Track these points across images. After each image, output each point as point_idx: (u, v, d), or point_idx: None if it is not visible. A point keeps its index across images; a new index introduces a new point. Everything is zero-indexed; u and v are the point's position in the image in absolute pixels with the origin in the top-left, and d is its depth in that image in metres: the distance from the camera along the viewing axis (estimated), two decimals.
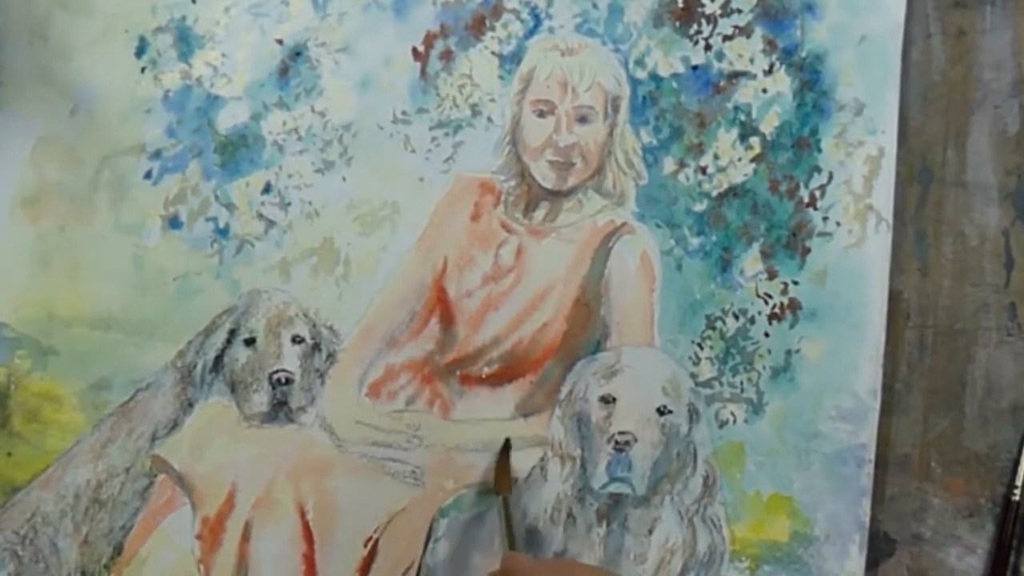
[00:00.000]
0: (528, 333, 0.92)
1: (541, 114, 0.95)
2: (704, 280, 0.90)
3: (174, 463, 0.96)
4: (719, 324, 0.89)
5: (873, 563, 0.85)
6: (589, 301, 0.92)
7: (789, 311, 0.88)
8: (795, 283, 0.88)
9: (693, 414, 0.88)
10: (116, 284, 1.00)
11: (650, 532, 0.87)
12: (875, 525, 0.85)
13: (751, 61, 0.91)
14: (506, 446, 0.89)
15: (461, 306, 0.94)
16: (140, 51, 1.03)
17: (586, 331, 0.91)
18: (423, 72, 0.98)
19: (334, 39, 1.00)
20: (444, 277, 0.95)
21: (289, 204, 0.99)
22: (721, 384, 0.88)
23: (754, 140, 0.91)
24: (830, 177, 0.89)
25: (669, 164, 0.92)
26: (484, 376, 0.93)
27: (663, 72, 0.93)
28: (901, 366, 0.87)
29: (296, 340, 0.96)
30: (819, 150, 0.89)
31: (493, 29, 0.97)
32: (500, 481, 0.87)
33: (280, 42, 1.01)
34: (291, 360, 0.95)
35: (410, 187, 0.96)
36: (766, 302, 0.89)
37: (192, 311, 0.98)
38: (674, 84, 0.93)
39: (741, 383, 0.88)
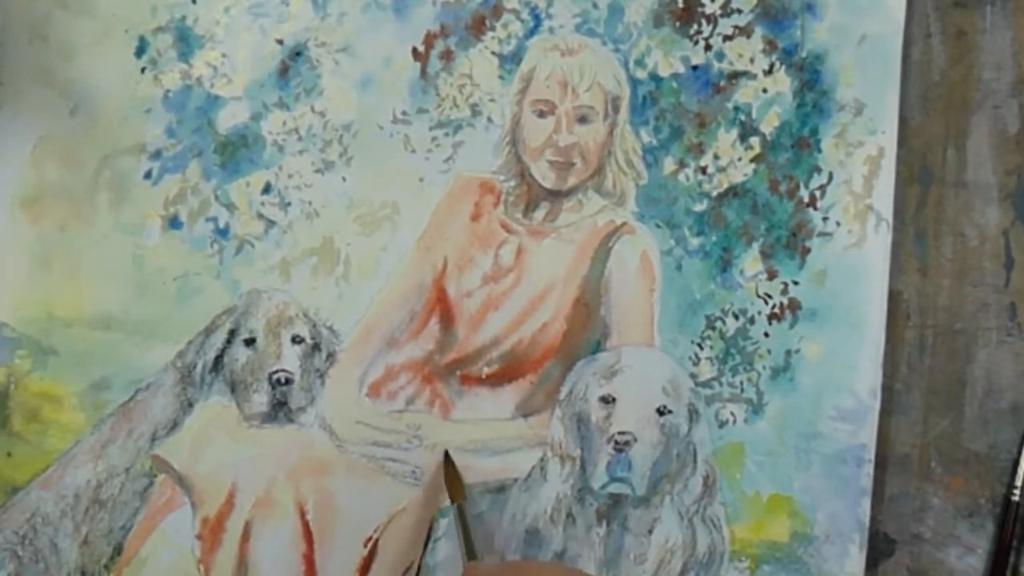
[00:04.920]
0: (528, 333, 0.92)
1: (541, 114, 0.95)
2: (704, 280, 0.90)
3: (174, 463, 0.96)
4: (719, 324, 0.89)
5: (873, 563, 0.85)
6: (589, 301, 0.92)
7: (789, 311, 0.88)
8: (795, 283, 0.88)
9: (693, 414, 0.88)
10: (116, 284, 1.00)
11: (650, 532, 0.87)
12: (875, 525, 0.85)
13: (751, 61, 0.91)
14: (447, 455, 0.89)
15: (461, 306, 0.94)
16: (140, 51, 1.03)
17: (586, 331, 0.91)
18: (423, 72, 0.98)
19: (334, 39, 1.00)
20: (444, 277, 0.95)
21: (289, 204, 0.99)
22: (721, 384, 0.88)
23: (754, 140, 0.91)
24: (830, 177, 0.89)
25: (669, 164, 0.92)
26: (484, 376, 0.93)
27: (663, 72, 0.93)
28: (901, 366, 0.87)
29: (296, 340, 0.96)
30: (819, 150, 0.89)
31: (493, 29, 0.97)
32: (453, 490, 0.88)
33: (280, 42, 1.01)
34: (291, 360, 0.95)
35: (410, 187, 0.97)
36: (766, 302, 0.89)
37: (192, 311, 0.98)
38: (674, 84, 0.93)
39: (741, 383, 0.88)
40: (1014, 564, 0.83)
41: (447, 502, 0.90)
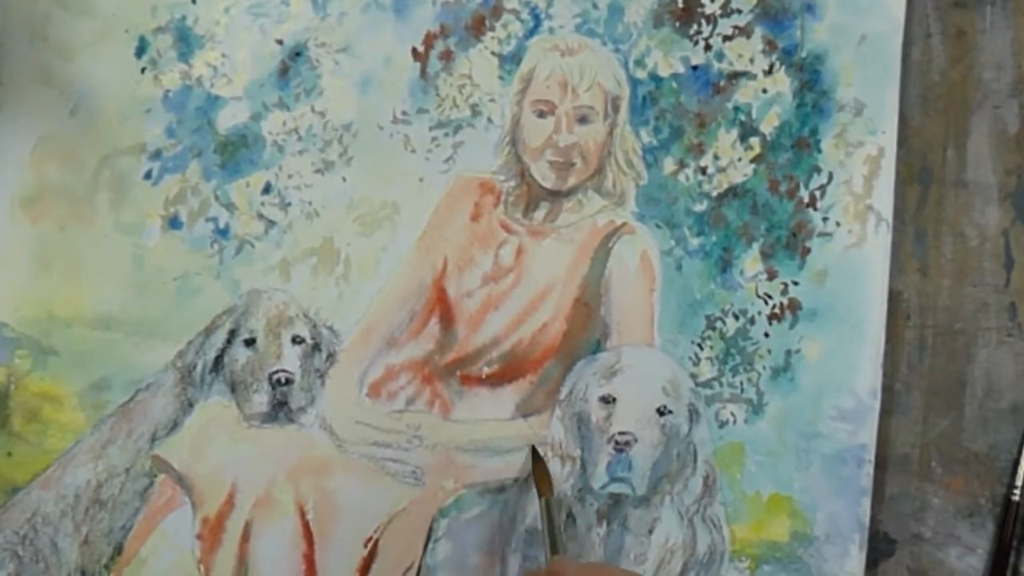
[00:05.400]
0: (528, 333, 0.92)
1: (541, 114, 0.95)
2: (704, 280, 0.90)
3: (174, 463, 0.96)
4: (719, 324, 0.89)
5: (873, 563, 0.85)
6: (589, 301, 0.92)
7: (789, 311, 0.88)
8: (795, 283, 0.88)
9: (693, 414, 0.88)
10: (116, 284, 1.00)
11: (650, 532, 0.87)
12: (875, 525, 0.85)
13: (751, 61, 0.91)
14: (534, 450, 0.89)
15: (461, 306, 0.94)
16: (140, 51, 1.03)
17: (586, 331, 0.91)
18: (423, 72, 0.98)
19: (334, 39, 1.00)
20: (444, 277, 0.95)
21: (289, 204, 0.99)
22: (721, 384, 0.88)
23: (754, 140, 0.91)
24: (830, 177, 0.89)
25: (669, 164, 0.92)
26: (484, 376, 0.93)
27: (663, 72, 0.93)
28: (901, 366, 0.87)
29: (296, 340, 0.96)
30: (819, 150, 0.89)
31: (493, 29, 0.97)
32: (541, 485, 0.86)
33: (280, 42, 1.01)
34: (291, 360, 0.95)
35: (410, 187, 0.96)
36: (766, 302, 0.89)
37: (192, 311, 0.98)
38: (674, 84, 0.93)
39: (741, 383, 0.88)
40: (1014, 564, 0.83)
41: (448, 502, 0.90)
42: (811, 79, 0.90)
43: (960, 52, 0.89)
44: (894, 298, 0.87)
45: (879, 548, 0.85)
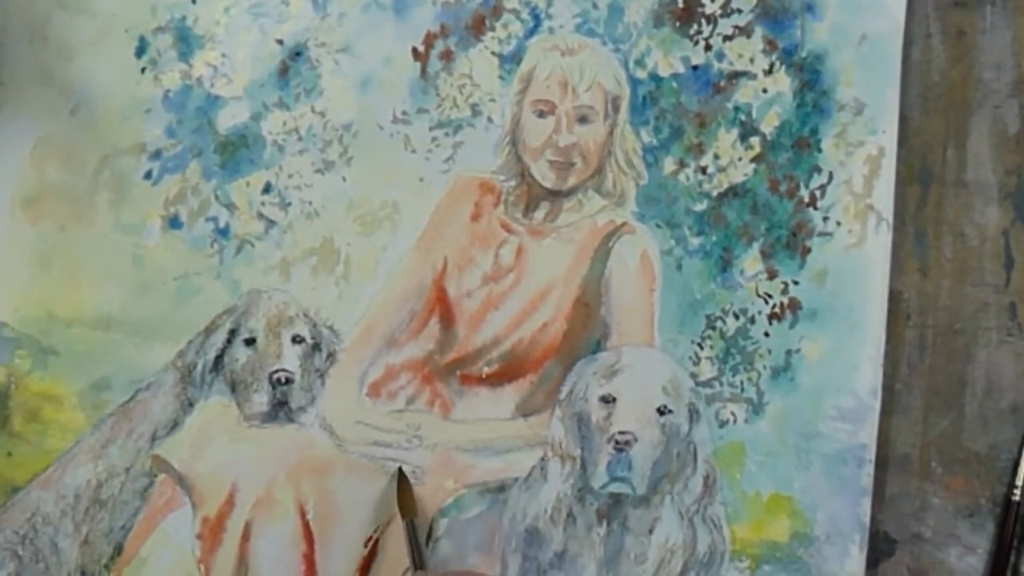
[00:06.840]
0: (528, 333, 0.92)
1: (541, 114, 0.95)
2: (704, 280, 0.90)
3: (174, 463, 0.96)
4: (719, 324, 0.89)
5: (873, 563, 0.85)
6: (589, 301, 0.92)
7: (789, 311, 0.88)
8: (795, 283, 0.88)
9: (693, 414, 0.88)
10: (116, 284, 1.00)
11: (650, 532, 0.87)
12: (875, 525, 0.85)
13: (751, 61, 0.91)
14: (400, 471, 0.90)
15: (461, 306, 0.94)
16: (140, 51, 1.04)
17: (586, 331, 0.91)
18: (423, 72, 0.98)
19: (334, 39, 1.00)
20: (444, 277, 0.95)
21: (289, 204, 0.99)
22: (721, 384, 0.88)
23: (754, 140, 0.91)
24: (830, 177, 0.89)
25: (669, 164, 0.92)
26: (484, 376, 0.93)
27: (663, 72, 0.93)
28: (901, 366, 0.87)
29: (296, 340, 0.96)
30: (819, 150, 0.89)
31: (493, 29, 0.97)
32: (404, 505, 0.89)
33: (280, 42, 1.01)
34: (291, 360, 0.95)
35: (410, 187, 0.97)
36: (766, 302, 0.89)
37: (192, 311, 0.98)
38: (674, 84, 0.93)
39: (741, 383, 0.88)
40: (1014, 564, 0.83)
41: (448, 502, 0.90)
42: (811, 79, 0.90)
43: (960, 52, 0.89)
44: (894, 298, 0.87)
45: (879, 548, 0.85)
